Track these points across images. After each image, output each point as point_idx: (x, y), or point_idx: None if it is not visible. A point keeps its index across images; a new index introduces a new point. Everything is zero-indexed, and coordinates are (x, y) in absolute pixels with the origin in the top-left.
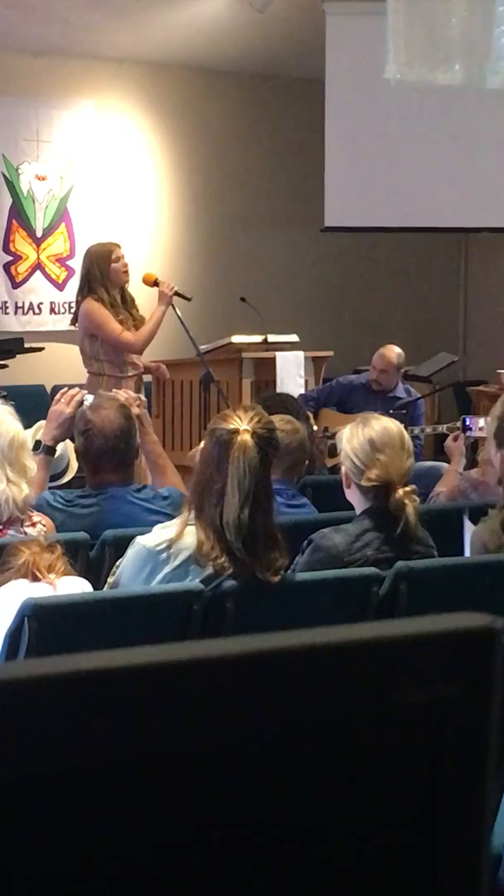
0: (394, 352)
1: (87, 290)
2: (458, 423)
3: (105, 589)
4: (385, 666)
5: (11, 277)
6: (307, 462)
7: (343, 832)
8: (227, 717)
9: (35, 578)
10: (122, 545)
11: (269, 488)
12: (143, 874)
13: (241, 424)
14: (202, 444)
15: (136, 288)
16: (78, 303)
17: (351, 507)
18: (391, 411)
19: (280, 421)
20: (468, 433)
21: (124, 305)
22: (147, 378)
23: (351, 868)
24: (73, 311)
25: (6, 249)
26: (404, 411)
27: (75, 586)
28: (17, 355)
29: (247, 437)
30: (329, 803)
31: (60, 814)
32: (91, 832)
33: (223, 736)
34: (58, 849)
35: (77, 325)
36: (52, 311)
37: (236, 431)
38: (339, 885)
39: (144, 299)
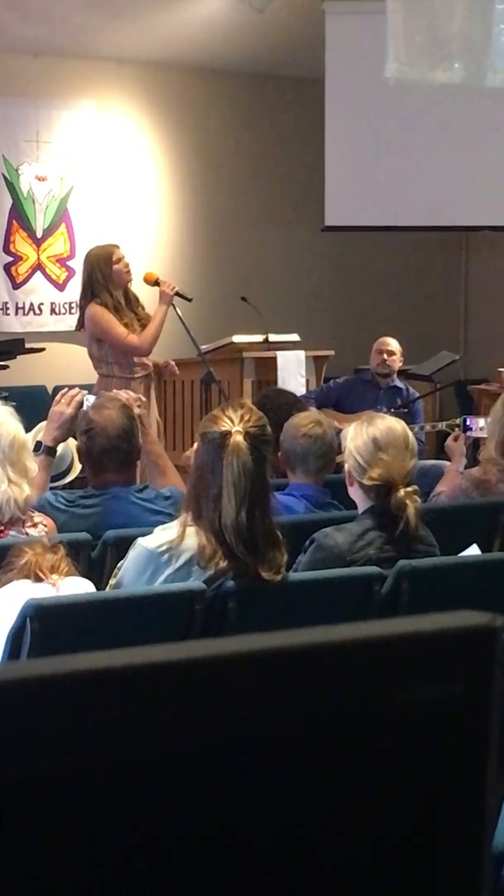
0: (391, 339)
1: (90, 294)
2: (458, 421)
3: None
4: (386, 664)
5: (12, 278)
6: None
7: (343, 831)
8: (229, 717)
9: (38, 579)
10: (123, 545)
11: (266, 486)
12: (146, 875)
13: (233, 426)
14: (195, 446)
15: (137, 287)
16: (82, 308)
17: (354, 507)
18: (392, 410)
19: (311, 424)
20: (468, 433)
21: (128, 305)
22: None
23: (351, 867)
24: (73, 311)
25: (6, 250)
26: (406, 410)
27: (78, 587)
28: (18, 356)
29: (239, 439)
30: (330, 802)
31: (62, 814)
32: (93, 833)
33: (225, 735)
34: (59, 849)
35: (84, 329)
36: (52, 311)
37: (228, 434)
38: (339, 884)
39: (145, 299)
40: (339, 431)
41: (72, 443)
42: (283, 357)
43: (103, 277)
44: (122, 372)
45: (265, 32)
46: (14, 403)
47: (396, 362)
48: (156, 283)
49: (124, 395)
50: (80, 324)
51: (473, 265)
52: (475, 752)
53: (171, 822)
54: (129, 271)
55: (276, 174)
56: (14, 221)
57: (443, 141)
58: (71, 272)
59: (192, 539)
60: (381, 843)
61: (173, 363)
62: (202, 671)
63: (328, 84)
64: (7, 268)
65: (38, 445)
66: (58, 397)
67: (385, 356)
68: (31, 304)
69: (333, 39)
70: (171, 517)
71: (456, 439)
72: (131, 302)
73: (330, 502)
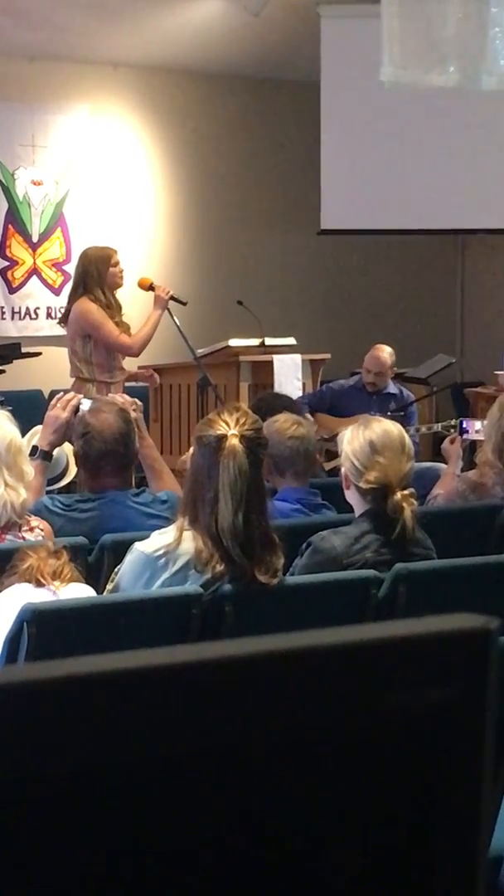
0: (385, 352)
1: (82, 290)
2: (454, 421)
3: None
4: (380, 668)
5: (8, 282)
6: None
7: (339, 834)
8: (225, 720)
9: (39, 584)
10: (120, 550)
11: (262, 490)
12: (141, 877)
13: (228, 429)
14: (190, 450)
15: (131, 292)
16: (71, 302)
17: (350, 510)
18: (389, 413)
19: (294, 426)
20: (465, 436)
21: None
22: (136, 383)
23: (348, 870)
24: None
25: (2, 255)
26: (402, 413)
27: (79, 592)
28: (14, 360)
29: (235, 442)
30: (325, 805)
31: (59, 817)
32: (91, 835)
33: (220, 738)
34: (55, 852)
35: (66, 325)
36: (48, 315)
37: (224, 437)
38: (336, 887)
39: (140, 304)
40: (334, 435)
41: (67, 447)
42: (279, 361)
43: (99, 275)
44: (102, 375)
45: (260, 36)
46: (10, 408)
47: (386, 378)
48: (150, 287)
49: (120, 398)
50: (65, 318)
51: (469, 268)
52: (471, 754)
53: (168, 825)
54: (122, 278)
55: (271, 177)
56: (10, 226)
57: (438, 144)
58: (67, 276)
59: (189, 543)
60: (378, 846)
61: (156, 375)
62: (199, 675)
63: (323, 87)
64: (3, 272)
65: (34, 450)
66: (54, 401)
67: (373, 377)
68: (27, 309)
69: (329, 43)
70: (168, 521)
71: (452, 442)
72: (115, 308)
73: (321, 503)
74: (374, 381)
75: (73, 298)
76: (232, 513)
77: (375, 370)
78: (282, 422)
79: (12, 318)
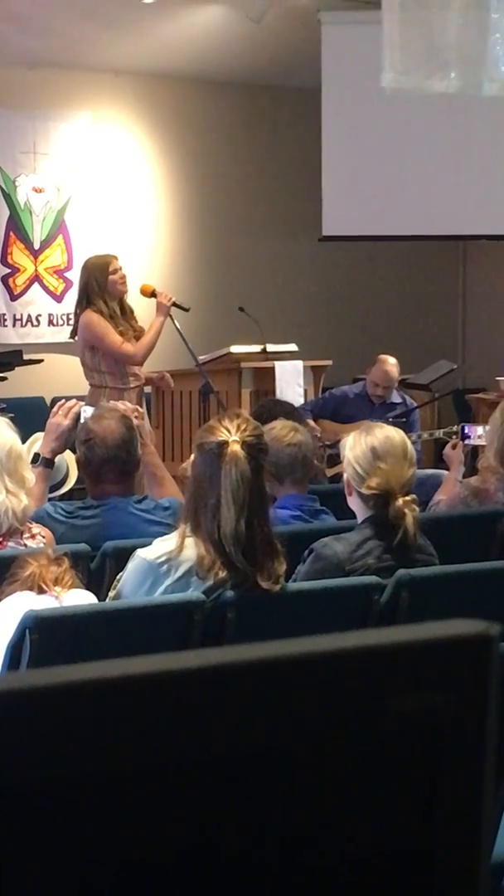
0: (394, 366)
1: (85, 302)
2: (455, 428)
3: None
4: (380, 674)
5: (9, 290)
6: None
7: (340, 841)
8: (226, 726)
9: (41, 591)
10: (122, 556)
11: (264, 496)
12: (142, 885)
13: (230, 436)
14: (192, 457)
15: (134, 299)
16: (77, 315)
17: (350, 516)
18: (390, 419)
19: (291, 432)
20: (466, 441)
21: (123, 317)
22: (146, 389)
23: (349, 878)
24: (70, 322)
25: (4, 262)
26: (404, 419)
27: (81, 599)
28: (16, 367)
29: (237, 448)
30: (326, 813)
31: (59, 825)
32: (90, 843)
33: (222, 745)
34: (56, 860)
35: (76, 338)
36: (50, 322)
37: (225, 443)
38: (337, 892)
39: (143, 310)
40: (337, 441)
41: (67, 454)
42: (280, 367)
43: (99, 286)
44: (114, 382)
45: (261, 43)
46: (12, 415)
47: (391, 390)
48: (152, 294)
49: (122, 405)
50: (74, 331)
51: (471, 273)
52: (472, 760)
53: (169, 832)
54: (124, 283)
55: (273, 184)
56: (11, 233)
57: (440, 150)
58: (68, 283)
59: (191, 549)
60: (378, 853)
61: (169, 376)
62: (201, 681)
63: (325, 94)
64: (4, 279)
65: (35, 457)
66: (55, 409)
67: (381, 390)
68: (29, 316)
69: (330, 49)
70: (170, 528)
71: (454, 447)
72: (126, 314)
73: (320, 509)
74: (382, 394)
75: (78, 311)
76: (234, 519)
77: (384, 384)
78: (279, 429)
79: (14, 326)
